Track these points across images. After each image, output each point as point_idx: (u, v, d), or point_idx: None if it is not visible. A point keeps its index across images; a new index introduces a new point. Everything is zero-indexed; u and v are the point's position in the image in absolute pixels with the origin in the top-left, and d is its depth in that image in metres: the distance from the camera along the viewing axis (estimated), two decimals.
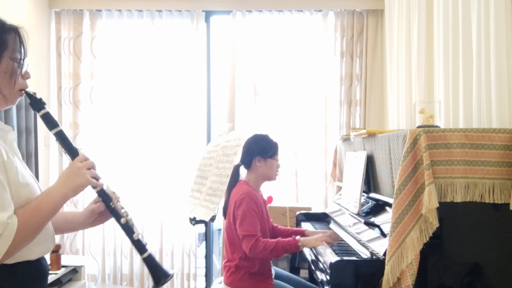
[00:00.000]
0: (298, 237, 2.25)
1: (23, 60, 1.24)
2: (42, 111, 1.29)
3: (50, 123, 1.30)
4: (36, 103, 1.28)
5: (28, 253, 1.20)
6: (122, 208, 1.38)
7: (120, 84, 3.81)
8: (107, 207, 1.36)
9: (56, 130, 1.30)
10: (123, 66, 3.81)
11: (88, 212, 1.42)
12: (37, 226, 1.17)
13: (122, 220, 1.36)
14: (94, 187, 1.33)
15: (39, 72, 3.62)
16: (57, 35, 3.81)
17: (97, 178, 1.31)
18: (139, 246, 1.37)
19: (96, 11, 3.78)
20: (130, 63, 3.81)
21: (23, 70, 1.24)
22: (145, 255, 1.36)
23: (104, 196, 1.36)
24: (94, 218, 1.43)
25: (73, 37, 3.78)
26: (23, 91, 1.26)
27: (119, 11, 3.78)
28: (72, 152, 1.31)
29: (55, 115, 3.69)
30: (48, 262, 2.93)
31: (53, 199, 1.20)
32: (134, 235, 1.36)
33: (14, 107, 3.06)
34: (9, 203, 1.12)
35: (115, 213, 1.37)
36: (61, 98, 3.77)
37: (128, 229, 1.36)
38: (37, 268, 1.25)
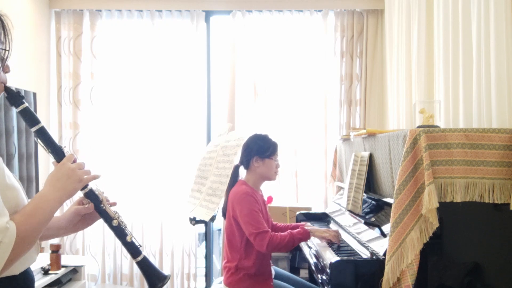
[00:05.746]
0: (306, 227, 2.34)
1: (8, 51, 1.10)
2: (21, 106, 1.15)
3: (30, 119, 1.16)
4: (14, 97, 1.15)
5: (12, 268, 1.06)
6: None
7: (120, 84, 3.81)
8: (97, 209, 1.24)
9: (37, 127, 1.16)
10: (123, 66, 3.81)
11: (70, 215, 1.28)
12: (34, 232, 1.06)
13: (114, 222, 1.23)
14: (82, 188, 1.21)
15: (39, 72, 3.60)
16: (57, 35, 3.81)
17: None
18: (133, 249, 1.25)
19: (96, 11, 3.78)
20: (130, 63, 3.81)
21: (5, 63, 1.11)
22: (139, 258, 1.24)
23: (94, 198, 1.23)
24: (76, 221, 1.29)
25: (73, 37, 3.78)
26: (3, 85, 1.13)
27: (119, 11, 3.78)
28: (57, 151, 1.18)
29: (55, 115, 3.75)
30: (48, 262, 2.95)
31: (49, 204, 1.08)
32: (127, 238, 1.24)
33: (14, 107, 3.05)
34: (2, 207, 1.00)
35: (106, 215, 1.24)
36: (61, 98, 3.77)
37: (120, 231, 1.24)
38: (22, 281, 1.13)
